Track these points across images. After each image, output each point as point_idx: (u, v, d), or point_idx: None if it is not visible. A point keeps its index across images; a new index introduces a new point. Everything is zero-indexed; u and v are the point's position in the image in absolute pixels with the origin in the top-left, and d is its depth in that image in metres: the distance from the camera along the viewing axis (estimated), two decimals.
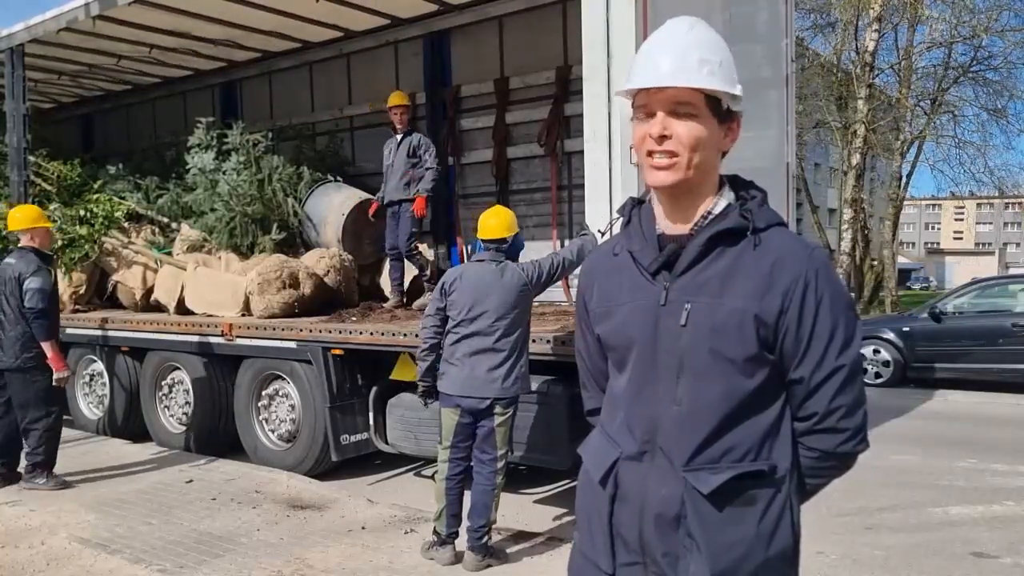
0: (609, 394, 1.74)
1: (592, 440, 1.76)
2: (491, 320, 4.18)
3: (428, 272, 6.87)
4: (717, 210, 1.59)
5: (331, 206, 7.49)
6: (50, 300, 5.67)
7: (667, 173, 1.54)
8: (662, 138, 1.52)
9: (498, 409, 4.17)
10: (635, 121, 1.58)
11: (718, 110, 1.55)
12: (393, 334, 5.51)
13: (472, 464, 4.29)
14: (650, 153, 1.55)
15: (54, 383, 5.65)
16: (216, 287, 7.06)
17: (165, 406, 7.16)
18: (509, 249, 4.44)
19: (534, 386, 4.99)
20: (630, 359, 1.62)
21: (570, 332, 4.65)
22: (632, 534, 1.59)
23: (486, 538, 4.20)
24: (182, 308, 7.26)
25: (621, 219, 1.70)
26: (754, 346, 1.52)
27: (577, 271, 4.41)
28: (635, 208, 1.68)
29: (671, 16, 1.61)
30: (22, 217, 5.92)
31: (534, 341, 4.87)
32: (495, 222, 4.42)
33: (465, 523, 4.25)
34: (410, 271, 7.04)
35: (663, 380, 1.57)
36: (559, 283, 7.07)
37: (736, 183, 1.65)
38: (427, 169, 6.63)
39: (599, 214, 4.40)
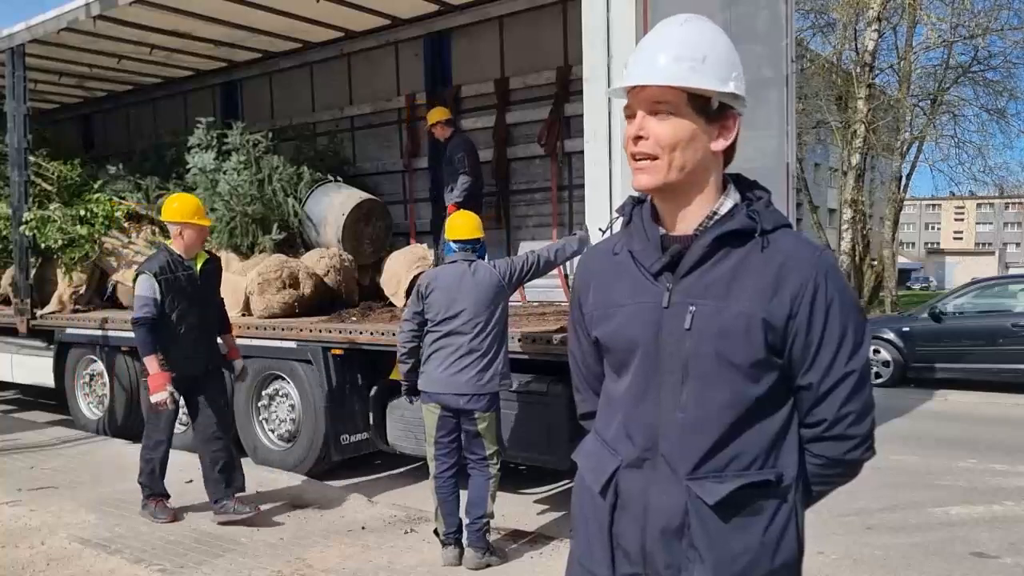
0: (605, 398, 1.68)
1: (587, 446, 1.70)
2: (467, 319, 4.20)
3: None
4: (723, 210, 1.54)
5: (331, 206, 7.50)
6: (152, 308, 4.80)
7: (647, 176, 1.50)
8: (638, 139, 1.49)
9: (477, 413, 4.18)
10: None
11: (705, 108, 1.49)
12: (393, 334, 5.50)
13: (464, 462, 4.32)
14: (632, 155, 1.52)
15: (152, 403, 4.90)
16: None
17: None
18: (480, 250, 4.46)
19: (534, 386, 5.00)
20: (631, 363, 1.57)
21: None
22: (634, 545, 1.55)
23: (485, 531, 4.21)
24: None
25: (621, 218, 1.66)
26: (762, 351, 1.48)
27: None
28: (636, 207, 1.63)
29: (671, 16, 1.59)
30: (178, 208, 5.07)
31: (533, 341, 4.88)
32: (462, 222, 4.46)
33: (464, 520, 4.25)
34: (413, 270, 7.09)
35: (666, 385, 1.52)
36: (559, 283, 7.09)
37: (740, 183, 1.60)
38: (460, 174, 6.93)
39: (599, 214, 4.40)
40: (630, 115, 1.52)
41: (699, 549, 1.49)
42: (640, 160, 1.51)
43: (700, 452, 1.49)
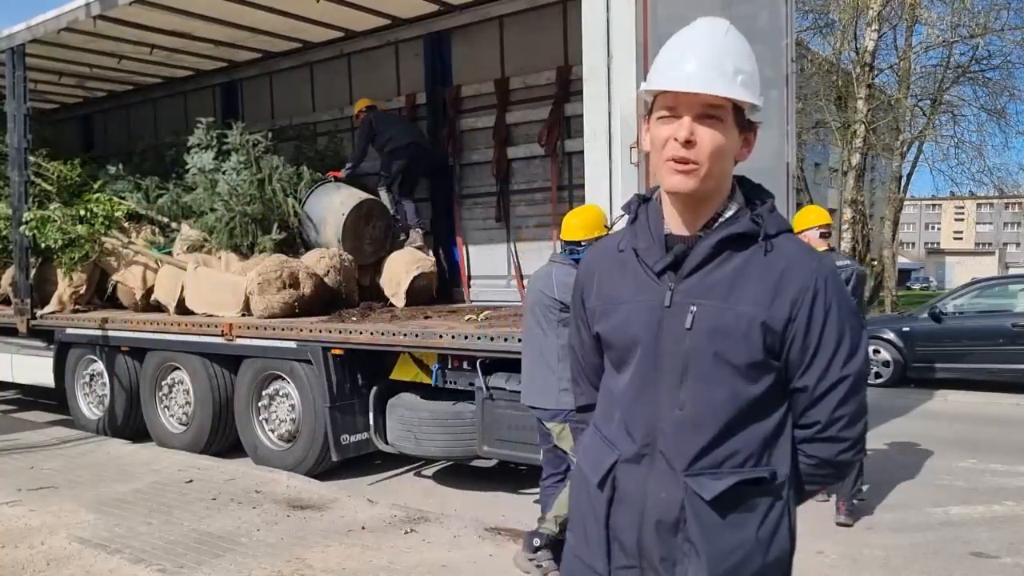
0: (605, 393, 1.71)
1: (586, 440, 1.74)
2: (528, 325, 4.08)
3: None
4: (728, 213, 1.57)
5: (331, 206, 7.50)
6: None
7: (685, 179, 1.50)
8: (688, 143, 1.48)
9: (546, 425, 4.03)
10: (656, 121, 1.54)
11: (740, 120, 1.53)
12: (393, 334, 5.51)
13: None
14: (672, 158, 1.51)
15: None
16: (216, 287, 7.06)
17: (165, 406, 7.16)
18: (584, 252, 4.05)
19: None
20: (632, 359, 1.59)
21: None
22: (630, 538, 1.58)
23: (536, 535, 4.08)
24: (182, 308, 7.26)
25: (625, 216, 1.68)
26: (760, 352, 1.51)
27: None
28: (641, 205, 1.65)
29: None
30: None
31: None
32: (574, 221, 4.15)
33: None
34: (413, 271, 7.16)
35: (666, 383, 1.55)
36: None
37: (744, 185, 1.63)
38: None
39: None
40: (674, 116, 1.50)
41: (695, 543, 1.52)
42: (680, 163, 1.50)
43: (697, 448, 1.52)
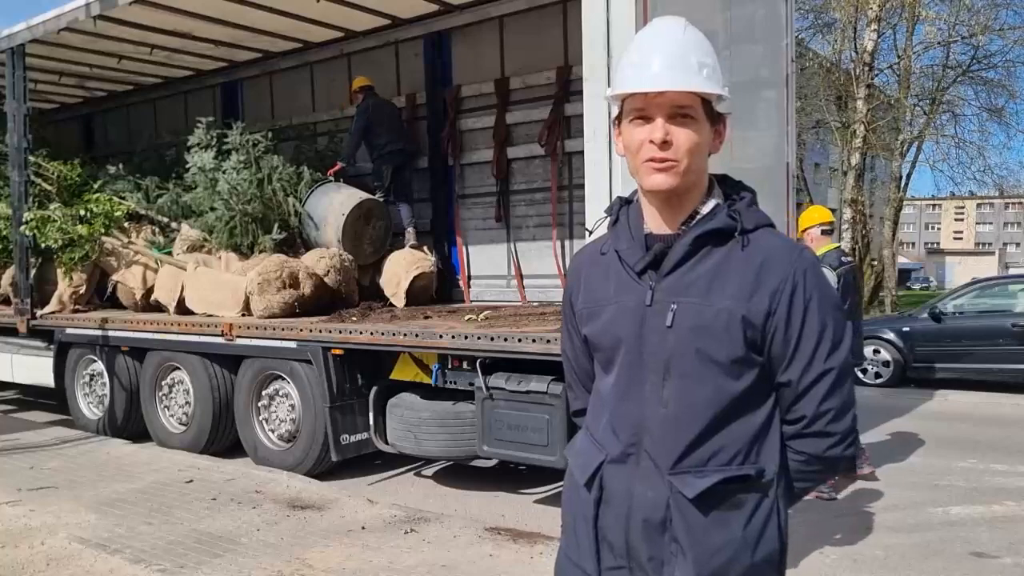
0: (595, 395, 1.72)
1: (578, 442, 1.74)
2: None
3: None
4: (705, 210, 1.57)
5: (331, 206, 7.50)
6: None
7: (665, 176, 1.51)
8: (665, 144, 1.49)
9: None
10: (628, 124, 1.55)
11: (710, 112, 1.54)
12: (393, 334, 5.51)
13: None
14: (650, 159, 1.52)
15: None
16: (216, 287, 7.06)
17: (165, 406, 7.16)
18: None
19: (534, 386, 4.99)
20: (617, 360, 1.60)
21: None
22: (618, 538, 1.58)
23: None
24: (182, 308, 7.26)
25: (608, 218, 1.69)
26: (741, 348, 1.51)
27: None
28: (623, 207, 1.66)
29: (672, 16, 1.60)
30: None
31: (533, 341, 4.88)
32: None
33: None
34: (413, 271, 7.16)
35: (649, 381, 1.55)
36: (558, 282, 7.09)
37: (725, 183, 1.63)
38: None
39: (599, 214, 4.39)
40: (645, 118, 1.52)
41: (681, 543, 1.52)
42: (660, 162, 1.51)
43: (682, 447, 1.52)
